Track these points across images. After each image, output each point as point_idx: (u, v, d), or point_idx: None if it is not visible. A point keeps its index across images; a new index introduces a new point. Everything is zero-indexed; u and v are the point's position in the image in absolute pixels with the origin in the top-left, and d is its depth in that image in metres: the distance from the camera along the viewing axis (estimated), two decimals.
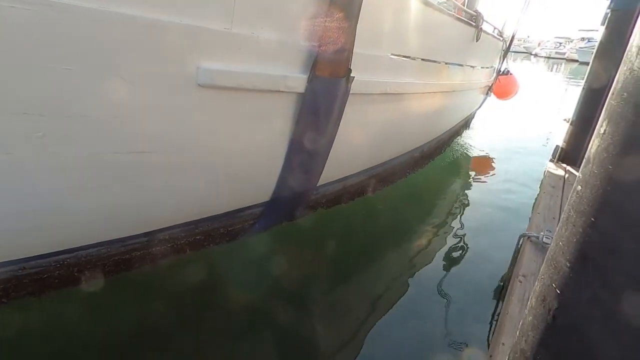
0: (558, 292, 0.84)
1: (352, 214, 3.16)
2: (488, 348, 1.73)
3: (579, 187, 0.83)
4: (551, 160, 4.14)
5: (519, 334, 0.99)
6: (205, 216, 1.90)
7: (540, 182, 4.04)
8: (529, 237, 2.38)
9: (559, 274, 0.84)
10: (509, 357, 1.05)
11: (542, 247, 2.28)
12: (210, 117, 1.48)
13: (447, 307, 2.23)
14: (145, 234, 1.74)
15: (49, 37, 1.02)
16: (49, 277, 1.66)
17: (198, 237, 2.03)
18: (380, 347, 1.90)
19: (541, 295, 0.90)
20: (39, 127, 1.11)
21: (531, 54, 43.02)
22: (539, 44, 46.53)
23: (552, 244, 0.92)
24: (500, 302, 2.25)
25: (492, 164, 5.08)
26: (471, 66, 3.82)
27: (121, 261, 1.82)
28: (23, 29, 0.98)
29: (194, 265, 2.10)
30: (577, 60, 31.29)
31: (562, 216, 0.89)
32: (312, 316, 2.08)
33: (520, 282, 2.01)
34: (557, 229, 0.91)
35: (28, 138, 1.10)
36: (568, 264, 0.82)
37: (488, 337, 2.02)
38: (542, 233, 2.36)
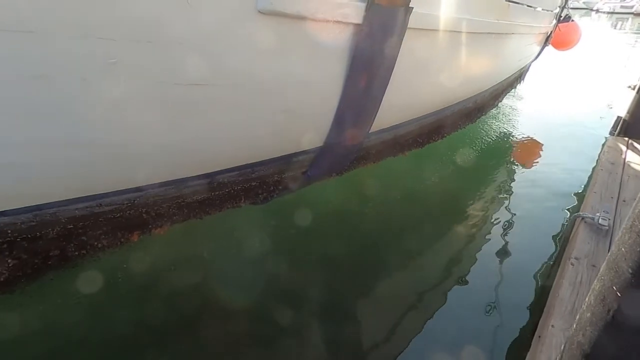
0: (619, 294, 0.87)
1: (390, 177, 3.04)
2: (535, 329, 1.71)
3: None
4: (611, 134, 3.77)
5: (576, 327, 1.04)
6: (261, 159, 1.91)
7: (597, 158, 3.67)
8: (583, 218, 2.24)
9: (620, 278, 0.87)
10: (565, 346, 1.11)
11: (597, 229, 2.16)
12: (269, 48, 1.43)
13: (489, 288, 2.18)
14: (206, 176, 1.78)
15: None
16: (120, 217, 1.73)
17: (253, 184, 2.05)
18: (421, 334, 1.90)
19: (601, 295, 0.93)
20: (112, 53, 1.12)
21: (592, 10, 38.59)
22: None
23: (613, 248, 0.93)
24: (542, 283, 2.18)
25: (540, 136, 4.60)
26: (532, 7, 3.46)
27: (184, 205, 1.87)
28: None
29: (195, 263, 2.08)
30: None
31: (625, 222, 0.90)
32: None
33: (572, 264, 1.93)
34: (620, 235, 0.92)
35: (102, 64, 1.12)
36: (630, 271, 0.85)
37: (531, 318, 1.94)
38: (597, 214, 2.23)
